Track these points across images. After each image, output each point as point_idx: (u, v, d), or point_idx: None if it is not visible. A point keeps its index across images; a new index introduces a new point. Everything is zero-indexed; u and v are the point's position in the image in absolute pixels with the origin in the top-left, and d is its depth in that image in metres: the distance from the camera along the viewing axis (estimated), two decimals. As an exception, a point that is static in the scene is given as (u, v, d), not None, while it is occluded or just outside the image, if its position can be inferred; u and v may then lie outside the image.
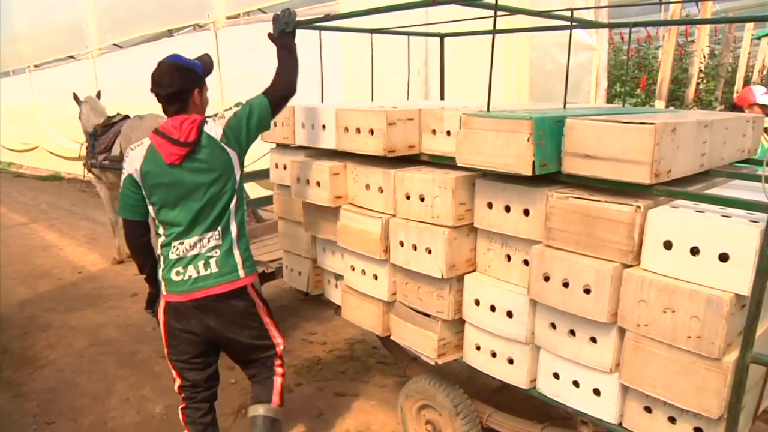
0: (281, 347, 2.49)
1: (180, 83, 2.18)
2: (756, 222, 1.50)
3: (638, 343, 1.69)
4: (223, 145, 2.18)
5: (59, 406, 3.23)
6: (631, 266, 1.69)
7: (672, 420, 1.72)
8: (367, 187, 2.33)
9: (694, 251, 1.57)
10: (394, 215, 2.24)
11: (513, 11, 2.34)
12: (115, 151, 5.08)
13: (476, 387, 2.74)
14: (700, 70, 6.66)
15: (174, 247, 2.22)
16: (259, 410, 2.42)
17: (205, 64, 2.32)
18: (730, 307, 1.50)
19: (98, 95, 6.03)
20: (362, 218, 2.33)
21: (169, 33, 9.11)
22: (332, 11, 5.99)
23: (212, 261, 2.22)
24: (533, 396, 2.07)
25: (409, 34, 3.23)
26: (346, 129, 2.32)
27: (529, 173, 1.78)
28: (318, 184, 2.45)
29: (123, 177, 2.24)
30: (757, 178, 1.97)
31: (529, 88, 5.32)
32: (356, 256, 2.43)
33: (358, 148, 2.29)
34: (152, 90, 2.21)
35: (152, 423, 3.02)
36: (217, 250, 2.23)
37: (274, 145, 2.88)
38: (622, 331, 1.74)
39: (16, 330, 4.29)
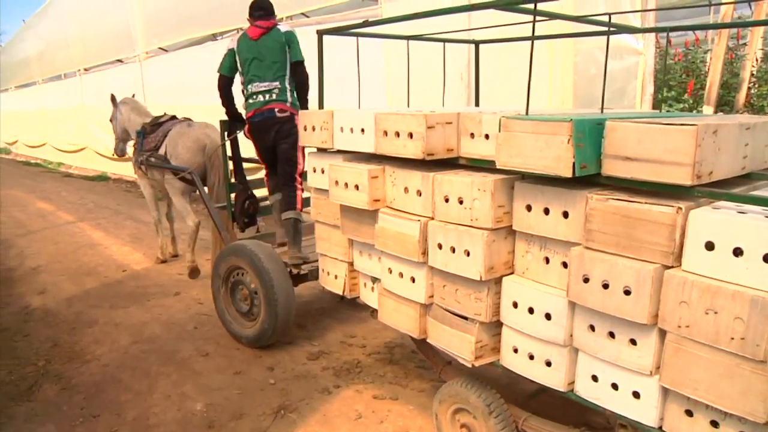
0: (301, 167, 4.00)
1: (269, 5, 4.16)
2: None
3: (679, 345, 1.71)
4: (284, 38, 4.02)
5: (104, 400, 3.33)
6: (672, 267, 1.71)
7: (714, 424, 1.72)
8: (406, 190, 2.38)
9: (737, 252, 1.58)
10: (432, 218, 2.29)
11: (552, 16, 2.38)
12: (162, 150, 5.24)
13: (513, 392, 2.77)
14: (752, 74, 6.48)
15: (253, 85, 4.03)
16: (290, 214, 3.96)
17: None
18: None
19: (132, 96, 6.32)
20: (400, 221, 2.39)
21: (213, 37, 9.33)
22: (374, 16, 6.14)
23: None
24: (570, 402, 2.09)
25: (444, 41, 3.29)
26: (385, 133, 2.38)
27: (569, 175, 1.81)
28: (356, 187, 2.51)
29: (226, 53, 4.07)
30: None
31: (573, 93, 5.32)
32: (394, 259, 2.48)
33: (396, 152, 2.35)
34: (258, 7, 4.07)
35: (192, 420, 3.08)
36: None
37: (314, 150, 2.96)
38: (662, 333, 1.75)
39: (65, 325, 4.44)
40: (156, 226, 6.11)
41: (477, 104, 3.55)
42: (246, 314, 3.82)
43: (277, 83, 4.02)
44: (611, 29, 2.40)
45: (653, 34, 5.15)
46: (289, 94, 4.05)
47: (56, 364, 3.78)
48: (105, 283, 5.46)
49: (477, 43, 3.41)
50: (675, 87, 6.47)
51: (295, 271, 3.74)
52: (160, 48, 11.02)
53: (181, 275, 5.51)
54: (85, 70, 14.42)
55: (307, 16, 7.64)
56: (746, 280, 1.57)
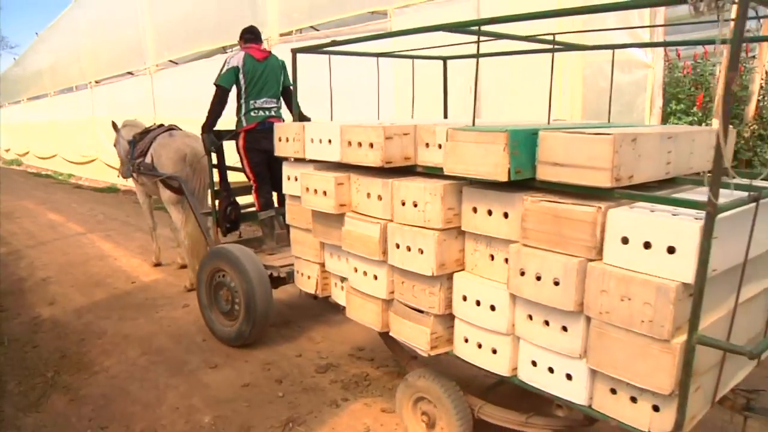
0: None
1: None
2: (698, 219, 1.72)
3: (602, 330, 1.91)
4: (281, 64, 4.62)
5: (112, 412, 3.32)
6: (594, 260, 1.91)
7: (633, 399, 1.92)
8: (368, 195, 2.59)
9: (647, 245, 1.79)
10: (391, 220, 2.49)
11: (497, 36, 2.61)
12: (148, 159, 5.44)
13: (473, 384, 2.96)
14: (761, 87, 6.26)
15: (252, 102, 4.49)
16: (270, 212, 4.42)
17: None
18: (677, 293, 1.72)
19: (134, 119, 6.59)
20: (363, 224, 2.59)
21: (224, 49, 9.38)
22: (383, 29, 6.21)
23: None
24: (527, 392, 2.28)
25: (413, 57, 3.51)
26: (349, 143, 2.59)
27: (506, 179, 2.02)
28: (324, 193, 2.72)
29: (228, 69, 4.39)
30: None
31: (582, 105, 5.30)
32: (359, 259, 2.68)
33: (359, 160, 2.56)
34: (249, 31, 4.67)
35: None
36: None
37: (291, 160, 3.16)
38: (588, 320, 1.96)
39: (74, 336, 4.44)
40: (151, 232, 6.36)
41: (446, 116, 3.77)
42: (227, 314, 4.02)
43: (275, 101, 4.54)
44: (556, 47, 2.63)
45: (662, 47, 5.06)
46: (281, 111, 4.50)
47: (65, 375, 3.78)
48: (114, 295, 5.46)
49: (445, 59, 3.63)
50: (684, 100, 6.35)
51: (275, 274, 3.94)
52: (170, 61, 11.10)
53: (192, 288, 5.52)
54: (96, 82, 14.57)
55: (317, 30, 7.67)
56: (653, 270, 1.78)
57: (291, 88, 4.34)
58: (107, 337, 4.39)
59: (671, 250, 1.74)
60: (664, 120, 5.52)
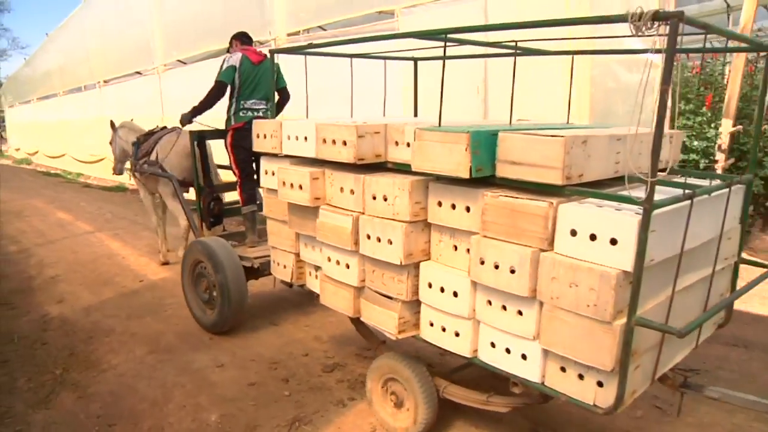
0: None
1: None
2: (638, 214, 1.91)
3: (552, 313, 2.09)
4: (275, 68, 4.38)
5: (120, 410, 3.33)
6: (546, 250, 2.10)
7: (581, 376, 2.11)
8: (341, 189, 2.74)
9: (593, 237, 1.98)
10: (363, 213, 2.64)
11: (462, 42, 2.77)
12: (153, 156, 5.56)
13: (442, 367, 3.15)
14: None
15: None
16: (252, 207, 4.56)
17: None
18: (617, 280, 1.90)
19: (131, 120, 6.76)
20: (337, 216, 2.74)
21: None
22: (391, 29, 6.31)
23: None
24: (488, 372, 2.46)
25: (385, 58, 3.66)
26: (324, 140, 2.73)
27: (467, 176, 2.19)
28: (300, 187, 2.86)
29: (228, 66, 4.58)
30: (662, 183, 2.38)
31: (590, 106, 5.28)
32: (332, 249, 2.83)
33: (333, 157, 2.70)
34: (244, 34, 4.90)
35: (207, 431, 3.10)
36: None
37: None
38: (541, 304, 2.14)
39: (82, 334, 4.45)
40: (156, 230, 6.45)
41: (416, 115, 3.93)
42: (207, 302, 4.15)
43: (264, 103, 4.77)
44: (517, 52, 2.80)
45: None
46: (270, 113, 4.46)
47: (73, 373, 3.80)
48: (122, 293, 5.47)
49: (416, 60, 3.79)
50: (693, 100, 6.33)
51: (249, 265, 4.08)
52: (178, 60, 11.06)
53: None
54: (105, 82, 14.52)
55: (324, 29, 7.66)
56: (598, 259, 1.96)
57: (286, 88, 4.63)
58: (115, 335, 4.40)
59: (613, 241, 1.93)
60: (674, 120, 5.38)
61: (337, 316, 4.46)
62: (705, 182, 2.49)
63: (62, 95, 18.18)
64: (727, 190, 2.41)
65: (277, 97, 4.70)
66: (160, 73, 11.56)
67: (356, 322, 3.00)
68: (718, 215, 2.41)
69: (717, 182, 2.41)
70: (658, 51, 1.81)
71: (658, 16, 1.77)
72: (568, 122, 3.26)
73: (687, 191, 2.09)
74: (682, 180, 2.28)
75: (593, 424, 2.96)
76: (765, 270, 2.68)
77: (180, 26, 10.74)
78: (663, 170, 2.82)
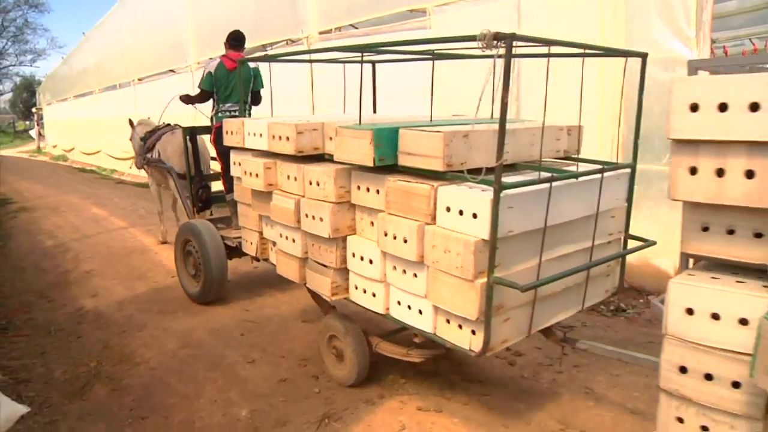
0: None
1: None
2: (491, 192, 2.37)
3: (434, 275, 2.57)
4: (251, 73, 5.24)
5: (152, 403, 3.34)
6: (429, 224, 2.57)
7: (460, 326, 2.58)
8: (288, 177, 3.25)
9: (461, 212, 2.45)
10: (303, 196, 3.15)
11: (379, 52, 3.25)
12: (155, 153, 6.18)
13: (381, 329, 3.64)
14: None
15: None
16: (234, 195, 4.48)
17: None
18: (476, 247, 2.36)
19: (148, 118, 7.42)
20: (285, 198, 3.26)
21: (263, 48, 9.30)
22: (421, 27, 6.30)
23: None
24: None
25: (345, 62, 4.14)
26: (273, 136, 3.26)
27: (371, 164, 2.67)
28: (257, 175, 3.40)
29: (206, 74, 5.14)
30: (540, 168, 2.82)
31: (624, 106, 4.90)
32: (282, 226, 3.36)
33: (280, 150, 3.21)
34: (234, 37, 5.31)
35: (237, 426, 3.07)
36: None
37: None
38: (427, 268, 2.62)
39: (116, 328, 4.49)
40: (159, 215, 7.13)
41: (375, 112, 4.42)
42: (193, 276, 4.75)
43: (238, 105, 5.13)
44: (474, 55, 3.27)
45: (708, 44, 4.63)
46: (247, 113, 5.06)
47: (107, 366, 3.83)
48: (154, 288, 5.45)
49: (374, 63, 4.27)
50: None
51: (229, 243, 4.66)
52: (210, 58, 10.90)
53: (228, 282, 5.33)
54: (139, 80, 14.80)
55: (356, 28, 7.56)
56: (464, 230, 2.42)
57: (259, 93, 5.15)
58: (147, 330, 4.41)
59: (474, 215, 2.40)
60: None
61: (366, 314, 4.05)
62: (589, 167, 2.94)
63: (98, 93, 18.53)
64: (600, 175, 2.84)
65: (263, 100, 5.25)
66: (193, 71, 11.79)
67: (310, 290, 3.52)
68: (590, 196, 2.83)
69: (589, 168, 2.86)
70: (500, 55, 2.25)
71: (497, 37, 2.23)
72: (579, 121, 3.42)
73: (543, 175, 2.55)
74: (566, 166, 2.72)
75: (623, 426, 2.96)
76: (644, 243, 3.10)
77: (213, 25, 10.64)
78: (565, 158, 3.28)
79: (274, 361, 3.77)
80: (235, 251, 4.65)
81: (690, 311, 1.74)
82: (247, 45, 10.01)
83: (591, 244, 2.91)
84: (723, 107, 1.59)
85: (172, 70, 13.02)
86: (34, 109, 35.72)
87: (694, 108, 1.64)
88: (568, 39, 3.39)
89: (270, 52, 8.56)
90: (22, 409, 2.23)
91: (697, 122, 1.64)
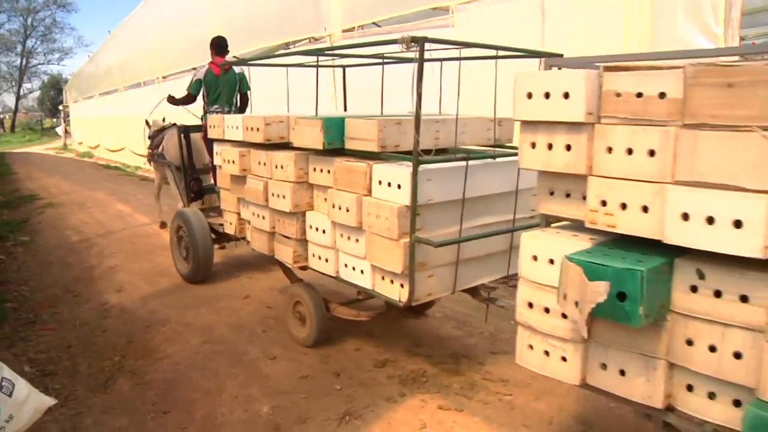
0: None
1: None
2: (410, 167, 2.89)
3: (370, 238, 3.08)
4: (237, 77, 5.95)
5: (175, 398, 3.38)
6: (367, 195, 3.10)
7: (392, 281, 3.10)
8: (259, 162, 3.80)
9: (389, 185, 2.98)
10: (270, 178, 3.70)
11: (332, 54, 3.81)
12: (160, 149, 6.80)
13: (341, 297, 4.15)
14: None
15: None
16: None
17: None
18: (399, 212, 2.87)
19: (163, 119, 8.00)
20: (256, 181, 3.81)
21: (286, 45, 9.35)
22: (445, 26, 6.35)
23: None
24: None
25: (318, 66, 4.70)
26: (247, 128, 3.82)
27: (321, 148, 3.22)
28: (233, 162, 3.96)
29: (195, 80, 5.84)
30: (464, 151, 3.34)
31: None
32: (255, 206, 3.91)
33: (252, 139, 3.77)
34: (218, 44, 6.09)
35: (258, 422, 3.10)
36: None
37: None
38: (365, 232, 3.15)
39: (139, 322, 4.56)
40: (156, 199, 7.91)
41: (345, 110, 4.99)
42: (185, 258, 5.31)
43: (227, 107, 5.82)
44: (421, 59, 3.82)
45: (737, 42, 4.58)
46: (233, 113, 5.69)
47: (131, 360, 3.90)
48: (177, 284, 5.49)
49: (344, 67, 4.84)
50: None
51: (216, 228, 5.23)
52: (234, 56, 10.97)
53: (249, 279, 5.61)
54: (163, 77, 14.96)
55: (379, 26, 7.58)
56: (391, 199, 2.94)
57: (246, 94, 5.76)
58: (171, 325, 4.45)
59: (399, 186, 2.92)
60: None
61: (388, 313, 4.32)
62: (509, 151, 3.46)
63: (123, 91, 18.60)
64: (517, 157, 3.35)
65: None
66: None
67: (280, 264, 4.06)
68: (509, 176, 3.34)
69: (508, 151, 3.39)
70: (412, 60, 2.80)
71: (414, 40, 2.77)
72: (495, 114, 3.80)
73: (459, 155, 3.08)
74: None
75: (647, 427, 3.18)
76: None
77: (236, 23, 10.75)
78: (500, 145, 3.79)
79: (296, 358, 3.79)
80: (223, 237, 5.21)
81: (535, 258, 2.22)
82: (269, 44, 10.04)
83: (512, 217, 3.43)
84: (547, 95, 2.09)
85: (195, 68, 13.26)
86: (60, 107, 36.47)
87: (530, 96, 2.15)
88: (592, 37, 3.67)
89: (293, 49, 8.71)
90: (49, 401, 2.24)
91: (532, 107, 2.13)
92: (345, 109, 4.97)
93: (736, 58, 2.13)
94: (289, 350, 3.90)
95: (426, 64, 3.09)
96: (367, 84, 4.40)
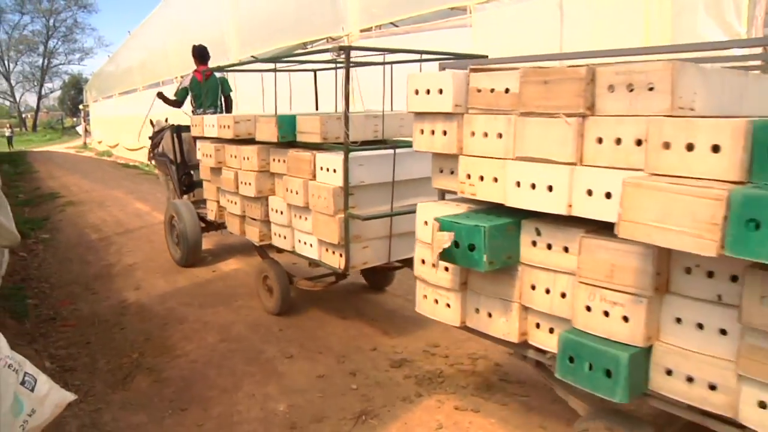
0: None
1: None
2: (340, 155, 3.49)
3: (315, 216, 3.62)
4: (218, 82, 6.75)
5: (192, 395, 3.39)
6: (312, 180, 3.71)
7: (333, 252, 3.67)
8: (230, 155, 4.41)
9: (328, 170, 3.56)
10: (240, 169, 4.30)
11: (280, 60, 4.44)
12: (160, 148, 7.47)
13: (307, 273, 4.71)
14: None
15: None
16: None
17: None
18: (335, 192, 3.41)
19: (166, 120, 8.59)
20: (229, 172, 4.42)
21: (304, 45, 9.33)
22: (463, 25, 6.39)
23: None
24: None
25: (280, 70, 5.34)
26: (221, 126, 4.46)
27: (276, 141, 3.83)
28: (210, 155, 4.60)
29: (182, 87, 6.76)
30: (399, 142, 3.92)
31: None
32: (229, 193, 4.51)
33: (225, 135, 4.37)
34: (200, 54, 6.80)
35: (275, 420, 3.10)
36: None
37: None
38: (311, 211, 3.75)
39: (157, 320, 4.57)
40: (167, 199, 8.13)
41: (317, 109, 5.61)
42: (177, 244, 5.97)
43: (213, 109, 6.51)
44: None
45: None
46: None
47: (149, 357, 3.91)
48: (195, 283, 5.53)
49: (315, 72, 5.46)
50: None
51: (204, 217, 5.86)
52: (252, 56, 10.50)
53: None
54: (182, 77, 14.40)
55: (397, 26, 7.58)
56: (329, 181, 3.48)
57: (230, 96, 6.42)
58: (188, 323, 4.47)
59: (335, 170, 3.49)
60: None
61: (405, 312, 4.49)
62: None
63: (142, 90, 18.57)
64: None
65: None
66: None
67: (255, 246, 4.68)
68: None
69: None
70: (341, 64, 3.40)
71: (342, 48, 3.39)
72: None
73: (390, 145, 3.68)
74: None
75: None
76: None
77: (254, 23, 10.88)
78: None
79: (312, 357, 3.81)
80: (211, 226, 5.86)
81: (426, 222, 2.70)
82: (287, 43, 10.01)
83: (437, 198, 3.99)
84: (428, 92, 2.62)
85: (182, 77, 13.54)
86: (80, 106, 36.79)
87: (417, 92, 2.69)
88: (611, 36, 4.02)
89: (310, 49, 8.86)
90: (70, 396, 2.26)
91: (419, 101, 2.66)
92: (317, 109, 5.60)
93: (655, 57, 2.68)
94: (305, 349, 3.92)
95: (378, 68, 3.70)
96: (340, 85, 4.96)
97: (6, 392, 1.94)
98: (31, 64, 52.62)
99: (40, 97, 55.74)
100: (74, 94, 55.04)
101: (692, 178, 1.74)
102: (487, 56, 3.96)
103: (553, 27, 5.36)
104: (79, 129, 37.44)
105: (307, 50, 3.97)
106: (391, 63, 3.83)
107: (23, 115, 59.30)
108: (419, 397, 3.27)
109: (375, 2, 7.75)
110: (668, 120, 1.83)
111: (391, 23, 7.63)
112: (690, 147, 1.76)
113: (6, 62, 50.63)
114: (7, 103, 58.48)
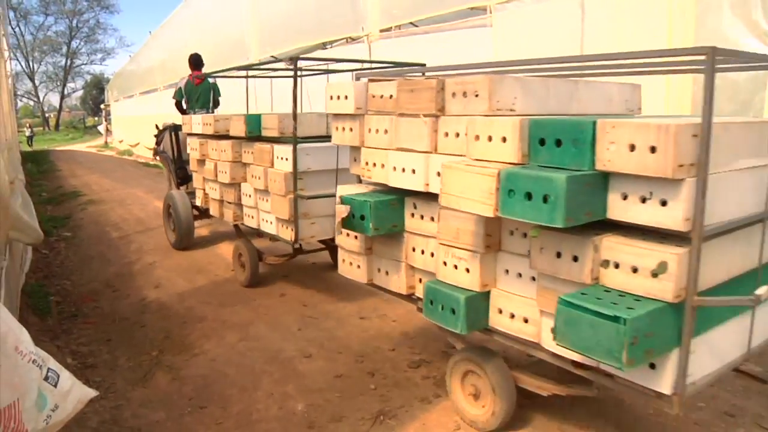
0: None
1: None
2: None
3: (273, 197, 4.35)
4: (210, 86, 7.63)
5: (211, 393, 3.41)
6: (270, 167, 4.47)
7: (286, 227, 4.46)
8: (212, 149, 5.20)
9: (281, 159, 4.30)
10: (219, 160, 5.11)
11: (251, 68, 5.25)
12: (161, 146, 8.32)
13: (275, 251, 5.46)
14: None
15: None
16: None
17: None
18: (286, 176, 4.17)
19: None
20: (210, 162, 5.23)
21: (323, 45, 9.50)
22: (482, 25, 6.46)
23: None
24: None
25: (267, 76, 6.16)
26: (205, 124, 5.28)
27: (245, 136, 4.62)
28: (196, 149, 5.43)
29: (177, 89, 7.68)
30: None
31: (692, 101, 4.91)
32: (210, 181, 5.32)
33: (207, 131, 5.18)
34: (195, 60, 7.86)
35: (293, 419, 3.11)
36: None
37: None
38: (270, 194, 4.52)
39: (177, 318, 4.61)
40: (169, 179, 8.91)
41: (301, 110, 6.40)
42: (173, 230, 6.80)
43: (205, 110, 7.35)
44: (299, 74, 5.24)
45: None
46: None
47: (168, 355, 3.92)
48: (214, 281, 5.53)
49: (295, 78, 6.26)
50: None
51: (196, 205, 6.66)
52: (272, 56, 10.65)
53: (285, 276, 5.52)
54: (181, 79, 15.31)
55: (416, 26, 7.63)
56: (283, 168, 4.25)
57: (218, 99, 7.27)
58: (207, 322, 4.49)
59: (286, 159, 4.23)
60: None
61: (419, 315, 3.93)
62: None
63: (162, 90, 18.72)
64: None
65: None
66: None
67: (235, 226, 5.48)
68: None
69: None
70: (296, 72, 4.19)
71: (291, 59, 4.18)
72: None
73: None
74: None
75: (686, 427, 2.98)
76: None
77: (274, 23, 10.99)
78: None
79: (331, 357, 3.79)
80: (204, 214, 6.70)
81: (341, 199, 3.43)
82: (307, 43, 10.17)
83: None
84: (338, 97, 3.26)
85: (179, 80, 13.88)
86: (102, 106, 37.33)
87: (331, 98, 3.29)
88: (633, 37, 4.27)
89: (330, 49, 9.33)
90: (91, 393, 2.27)
91: (333, 104, 3.28)
92: (300, 110, 6.39)
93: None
94: (324, 349, 3.90)
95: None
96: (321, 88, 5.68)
97: (30, 387, 1.95)
98: (55, 65, 53.74)
99: (62, 97, 56.44)
100: (96, 94, 55.93)
101: (491, 161, 2.38)
102: (425, 65, 4.63)
103: (575, 27, 5.29)
104: (101, 128, 37.76)
105: (269, 59, 4.76)
106: (335, 71, 4.61)
107: (46, 115, 60.14)
108: (437, 397, 3.25)
109: (395, 2, 7.78)
110: (478, 118, 2.48)
111: (411, 23, 7.68)
112: (489, 138, 2.41)
113: (30, 62, 51.64)
114: (31, 102, 59.36)
